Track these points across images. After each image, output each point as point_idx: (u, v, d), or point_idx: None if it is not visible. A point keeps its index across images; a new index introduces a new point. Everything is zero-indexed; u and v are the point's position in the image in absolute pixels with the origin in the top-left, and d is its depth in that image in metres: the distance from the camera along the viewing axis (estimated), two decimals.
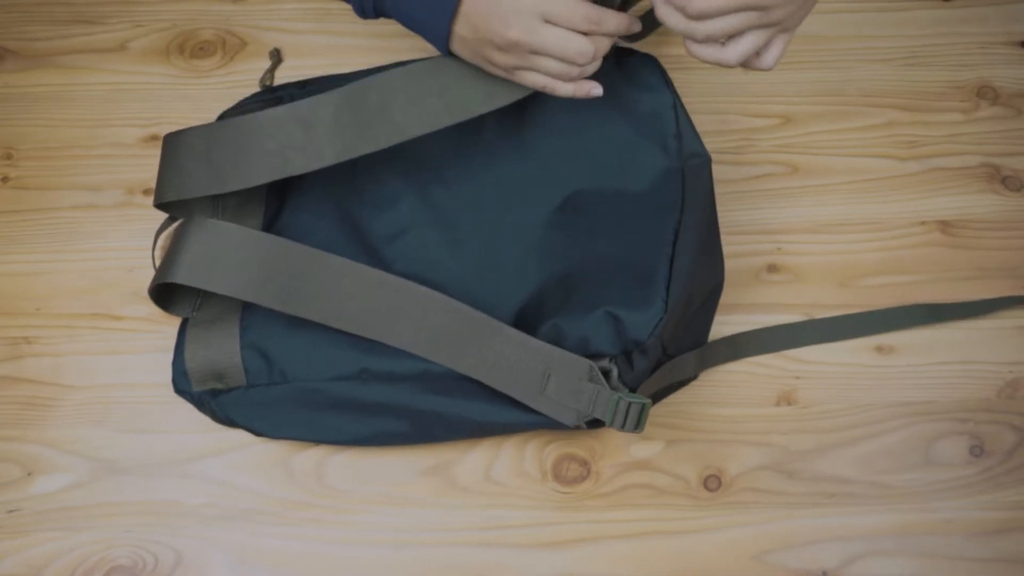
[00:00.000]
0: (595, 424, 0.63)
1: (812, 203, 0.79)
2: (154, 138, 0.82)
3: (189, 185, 0.66)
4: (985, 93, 0.83)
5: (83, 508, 0.69)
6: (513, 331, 0.63)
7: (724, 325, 0.73)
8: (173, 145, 0.68)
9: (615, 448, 0.70)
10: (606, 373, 0.62)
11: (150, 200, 0.80)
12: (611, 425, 0.62)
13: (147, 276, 0.77)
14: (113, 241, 0.78)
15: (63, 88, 0.85)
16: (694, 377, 0.71)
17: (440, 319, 0.64)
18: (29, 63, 0.86)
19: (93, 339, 0.74)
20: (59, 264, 0.77)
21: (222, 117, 0.75)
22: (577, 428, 0.63)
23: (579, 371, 0.62)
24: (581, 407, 0.62)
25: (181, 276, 0.64)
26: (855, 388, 0.72)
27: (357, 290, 0.64)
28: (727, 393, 0.72)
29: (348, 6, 0.87)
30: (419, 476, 0.70)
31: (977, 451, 0.70)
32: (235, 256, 0.64)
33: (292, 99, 0.73)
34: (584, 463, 0.70)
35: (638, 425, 0.62)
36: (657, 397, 0.68)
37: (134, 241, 0.78)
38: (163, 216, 0.79)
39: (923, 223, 0.78)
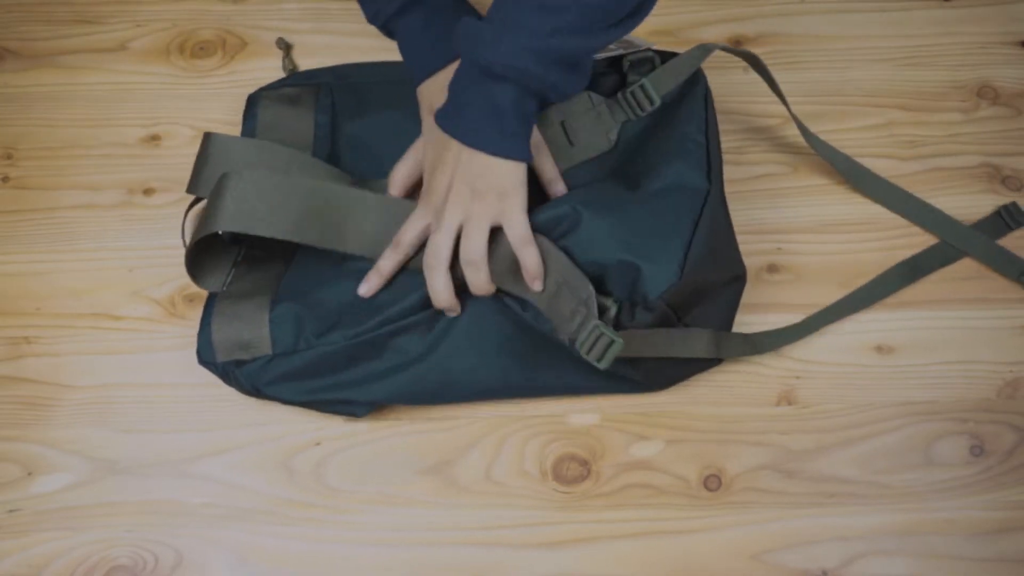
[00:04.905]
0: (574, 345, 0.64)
1: (812, 203, 0.79)
2: (154, 138, 0.82)
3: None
4: (985, 93, 0.83)
5: (83, 508, 0.69)
6: (540, 237, 0.66)
7: None
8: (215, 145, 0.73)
9: (615, 448, 0.70)
10: (603, 310, 0.64)
11: (150, 200, 0.80)
12: (579, 348, 0.63)
13: (147, 276, 0.77)
14: (113, 241, 0.78)
15: (63, 88, 0.85)
16: (717, 361, 0.71)
17: None
18: (29, 63, 0.86)
19: (93, 339, 0.74)
20: (59, 264, 0.77)
21: (251, 98, 0.79)
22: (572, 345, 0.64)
23: (583, 294, 0.63)
24: (572, 325, 0.63)
25: (223, 223, 0.66)
26: (855, 388, 0.72)
27: (391, 220, 0.68)
28: (727, 393, 0.72)
29: (349, 5, 0.88)
30: (419, 476, 0.70)
31: (977, 451, 0.70)
32: (274, 200, 0.66)
33: (327, 86, 0.78)
34: (584, 463, 0.70)
35: (601, 359, 0.62)
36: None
37: (134, 241, 0.78)
38: (161, 219, 0.80)
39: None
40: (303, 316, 0.67)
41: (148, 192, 0.80)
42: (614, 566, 0.67)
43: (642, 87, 0.72)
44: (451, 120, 0.65)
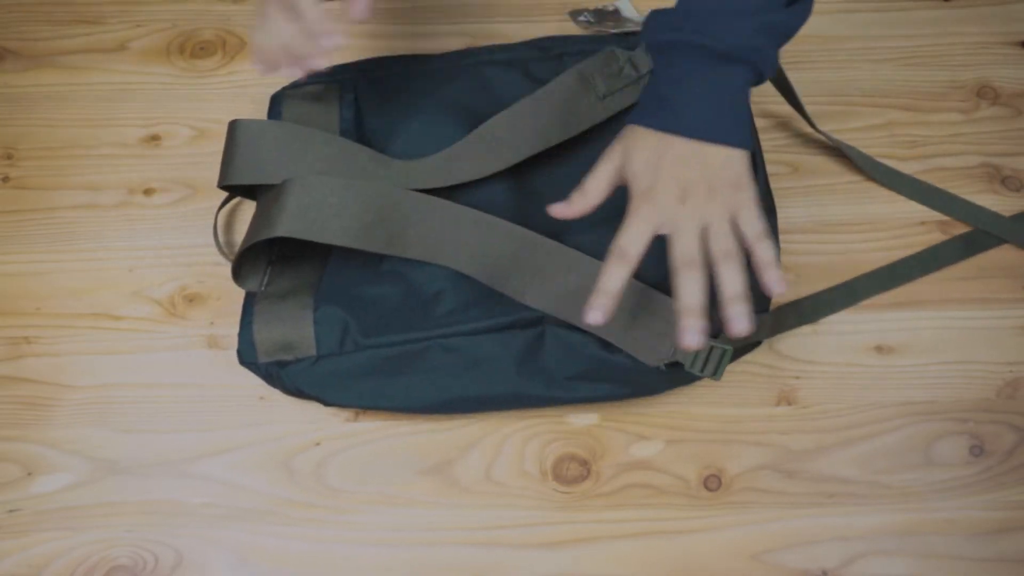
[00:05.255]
0: (674, 367, 0.64)
1: (812, 203, 0.79)
2: (154, 138, 0.82)
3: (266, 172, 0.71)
4: (985, 93, 0.83)
5: (83, 508, 0.69)
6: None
7: None
8: (247, 132, 0.72)
9: (615, 448, 0.70)
10: None
11: (150, 200, 0.80)
12: (690, 368, 0.62)
13: (147, 276, 0.77)
14: (113, 241, 0.78)
15: (63, 88, 0.85)
16: (758, 343, 0.70)
17: (535, 256, 0.66)
18: (29, 63, 0.86)
19: (93, 339, 0.74)
20: (59, 264, 0.77)
21: (275, 97, 0.78)
22: (656, 369, 0.64)
23: (666, 312, 0.63)
24: (664, 348, 0.63)
25: (285, 229, 0.65)
26: (855, 388, 0.72)
27: (458, 228, 0.68)
28: (727, 393, 0.72)
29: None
30: (419, 476, 0.70)
31: (977, 451, 0.70)
32: (338, 205, 0.66)
33: (350, 82, 0.78)
34: (584, 463, 0.70)
35: (716, 371, 0.62)
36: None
37: (134, 241, 0.78)
38: (161, 219, 0.79)
39: (923, 223, 0.78)
40: (347, 317, 0.67)
41: (148, 192, 0.80)
42: (614, 566, 0.67)
43: None
44: (672, 116, 0.60)
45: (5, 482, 0.70)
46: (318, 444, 0.71)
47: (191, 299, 0.76)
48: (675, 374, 0.65)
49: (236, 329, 0.69)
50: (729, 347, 0.62)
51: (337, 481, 0.70)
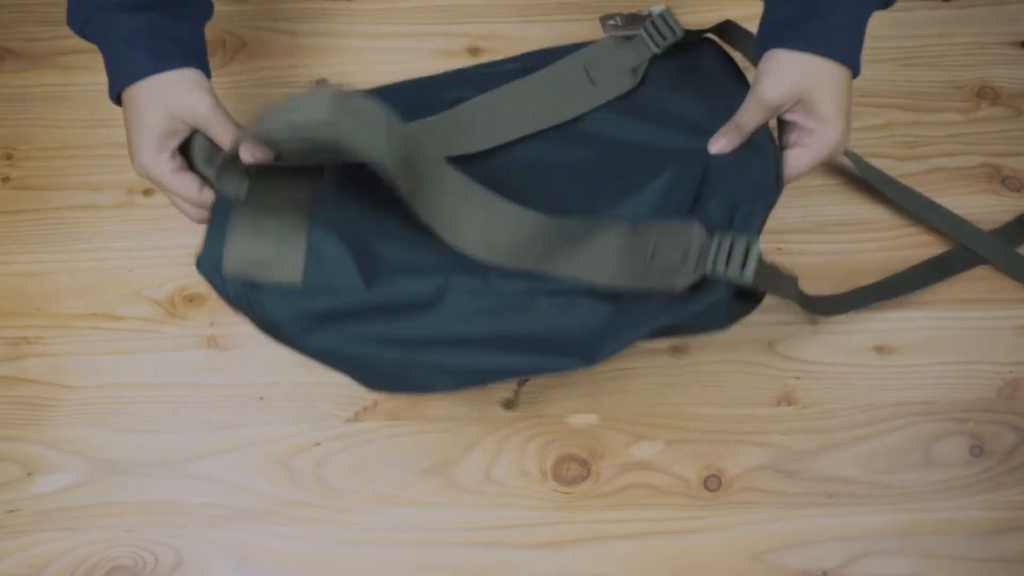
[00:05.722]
0: (702, 285, 0.57)
1: (812, 203, 0.79)
2: None
3: None
4: (985, 93, 0.83)
5: (83, 508, 0.69)
6: (619, 224, 0.59)
7: None
8: None
9: (615, 448, 0.70)
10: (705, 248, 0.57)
11: (150, 200, 0.80)
12: (711, 273, 0.56)
13: (147, 276, 0.77)
14: (113, 241, 0.78)
15: (63, 88, 0.85)
16: (760, 298, 0.65)
17: (552, 236, 0.61)
18: (29, 63, 0.86)
19: (93, 339, 0.74)
20: (59, 264, 0.77)
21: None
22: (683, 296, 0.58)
23: (685, 235, 0.57)
24: (686, 267, 0.56)
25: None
26: (855, 388, 0.72)
27: (467, 206, 0.61)
28: (727, 393, 0.72)
29: (349, 5, 0.88)
30: (419, 476, 0.70)
31: (977, 451, 0.70)
32: (379, 123, 0.56)
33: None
34: (584, 463, 0.70)
35: (743, 268, 0.55)
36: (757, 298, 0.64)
37: (134, 241, 0.78)
38: (161, 219, 0.79)
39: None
40: (353, 258, 0.57)
41: (148, 192, 0.80)
42: (614, 566, 0.67)
43: (662, 16, 0.70)
44: (849, 46, 0.61)
45: (5, 482, 0.70)
46: (318, 444, 0.71)
47: (191, 299, 0.76)
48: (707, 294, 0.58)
49: (236, 329, 0.68)
50: (755, 239, 0.57)
51: (337, 481, 0.70)
